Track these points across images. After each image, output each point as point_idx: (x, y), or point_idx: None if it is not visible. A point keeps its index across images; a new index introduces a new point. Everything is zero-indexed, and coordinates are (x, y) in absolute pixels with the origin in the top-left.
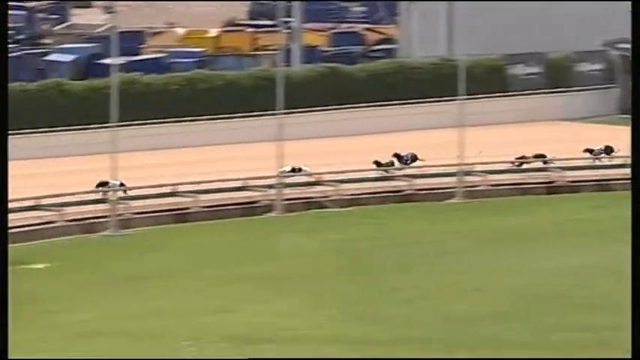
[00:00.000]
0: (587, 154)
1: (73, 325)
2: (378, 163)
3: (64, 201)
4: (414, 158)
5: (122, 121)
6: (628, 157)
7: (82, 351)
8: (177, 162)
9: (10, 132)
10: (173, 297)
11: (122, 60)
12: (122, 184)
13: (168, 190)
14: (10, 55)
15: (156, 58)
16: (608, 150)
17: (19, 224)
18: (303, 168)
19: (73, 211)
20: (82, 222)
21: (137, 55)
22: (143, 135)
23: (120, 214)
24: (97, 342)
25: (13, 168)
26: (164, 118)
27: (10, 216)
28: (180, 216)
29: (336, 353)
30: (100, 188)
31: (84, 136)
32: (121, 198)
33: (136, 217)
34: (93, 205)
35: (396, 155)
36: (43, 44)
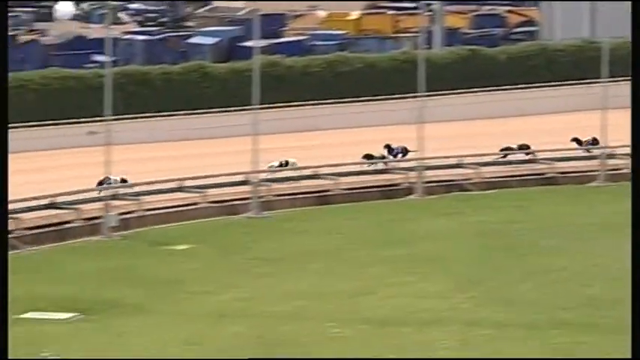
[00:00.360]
0: None
1: (216, 306)
2: (369, 156)
3: (207, 183)
4: (405, 151)
5: (263, 104)
6: None
7: (225, 332)
8: (318, 144)
9: (152, 115)
10: (314, 279)
11: (264, 42)
12: (124, 180)
13: (310, 173)
14: (153, 37)
15: (297, 41)
16: (595, 141)
17: (162, 206)
18: (290, 161)
19: (215, 193)
20: (224, 204)
21: (279, 37)
22: (284, 117)
23: (261, 196)
24: (240, 323)
25: (157, 150)
26: (305, 101)
27: (155, 197)
28: (322, 198)
29: (477, 336)
30: (100, 186)
31: (225, 118)
32: (263, 180)
33: (278, 199)
34: (235, 187)
35: (387, 147)
36: (186, 27)
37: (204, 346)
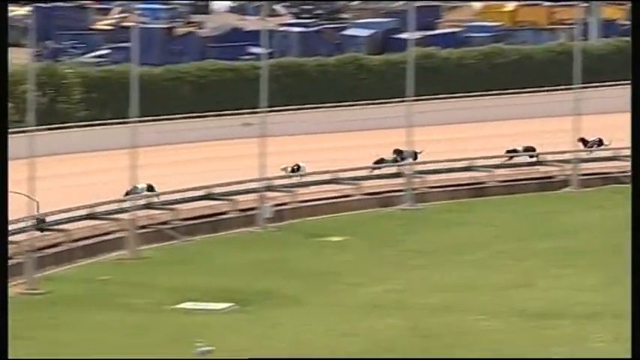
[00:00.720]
0: None
1: (370, 298)
2: (381, 160)
3: (361, 174)
4: (414, 155)
5: (418, 95)
6: None
7: (379, 324)
8: (472, 136)
9: (307, 106)
10: (467, 271)
11: (418, 34)
12: (150, 188)
13: (464, 165)
14: (308, 29)
15: (452, 32)
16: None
17: (316, 197)
18: (301, 165)
19: (369, 185)
20: (378, 195)
21: (433, 29)
22: (438, 109)
23: (415, 188)
24: (393, 315)
25: (312, 142)
26: (460, 93)
27: (310, 189)
28: (476, 190)
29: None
30: (127, 196)
31: (380, 110)
32: (417, 172)
33: (432, 191)
34: (389, 179)
35: (397, 151)
36: (341, 19)
37: (358, 337)
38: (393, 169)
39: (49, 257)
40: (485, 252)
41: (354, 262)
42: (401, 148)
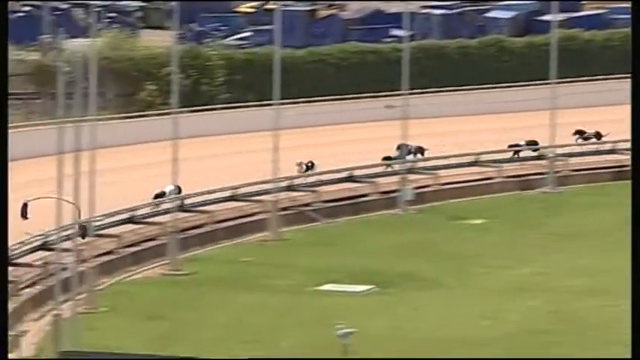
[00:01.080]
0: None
1: (513, 280)
2: (388, 158)
3: (502, 157)
4: (420, 151)
5: (561, 78)
6: None
7: (521, 306)
8: (618, 119)
9: (449, 89)
10: (611, 254)
11: (562, 16)
12: (179, 190)
13: (609, 148)
14: (450, 12)
15: (596, 14)
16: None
17: (458, 180)
18: (314, 163)
19: (511, 168)
20: (519, 179)
21: (577, 11)
22: (582, 91)
23: (557, 171)
24: (536, 298)
25: (453, 124)
26: (604, 75)
27: (451, 171)
28: (619, 173)
29: None
30: (159, 199)
31: (522, 92)
32: (559, 155)
33: (573, 174)
34: (531, 162)
35: (401, 146)
36: (484, 1)
37: (499, 320)
38: (535, 153)
39: (192, 238)
40: (627, 235)
41: (495, 245)
42: (406, 143)
